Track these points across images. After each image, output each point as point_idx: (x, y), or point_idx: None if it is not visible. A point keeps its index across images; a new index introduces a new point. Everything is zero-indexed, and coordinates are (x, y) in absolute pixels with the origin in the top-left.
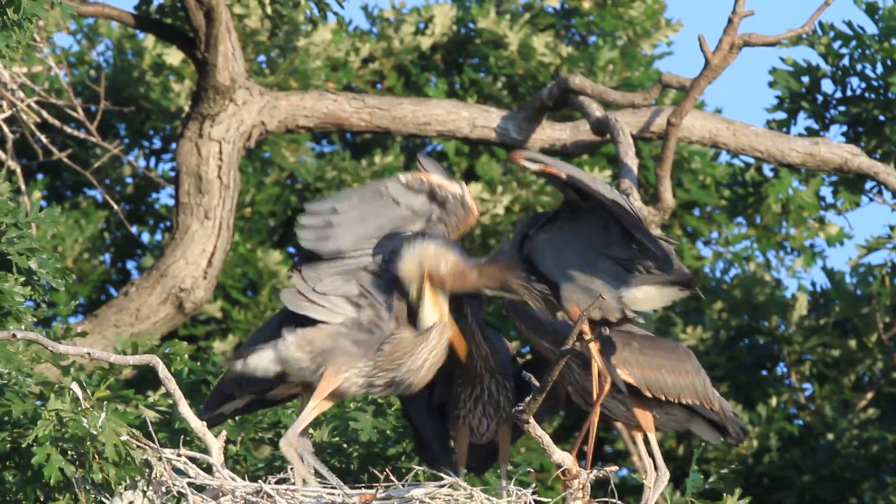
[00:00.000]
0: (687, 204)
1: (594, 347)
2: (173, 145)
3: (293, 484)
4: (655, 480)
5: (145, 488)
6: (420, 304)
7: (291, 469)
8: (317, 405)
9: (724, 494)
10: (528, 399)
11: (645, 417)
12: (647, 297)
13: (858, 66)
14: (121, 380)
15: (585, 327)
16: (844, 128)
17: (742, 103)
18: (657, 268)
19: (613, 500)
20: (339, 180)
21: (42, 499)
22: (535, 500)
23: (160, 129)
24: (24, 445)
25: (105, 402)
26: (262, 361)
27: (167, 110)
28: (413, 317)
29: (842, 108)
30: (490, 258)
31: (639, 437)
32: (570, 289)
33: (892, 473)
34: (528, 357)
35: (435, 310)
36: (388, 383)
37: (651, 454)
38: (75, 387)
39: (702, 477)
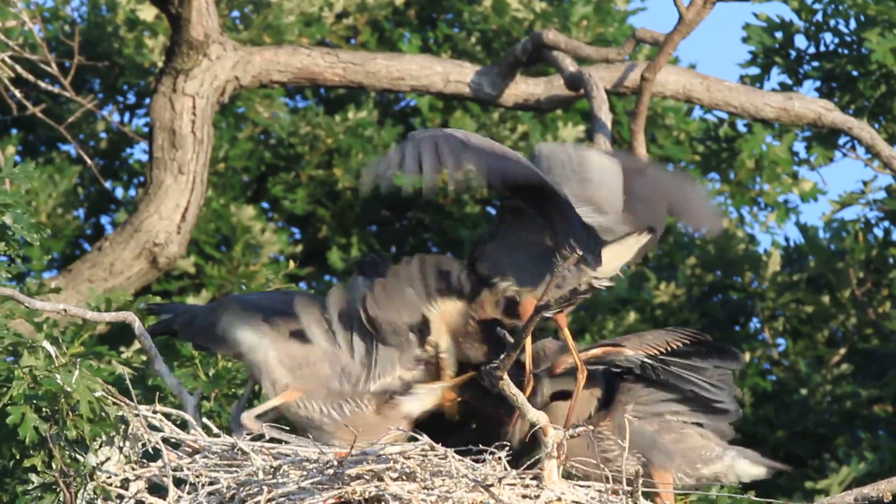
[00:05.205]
0: (661, 159)
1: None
2: (147, 100)
3: (268, 440)
4: None
5: (121, 444)
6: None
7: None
8: (278, 402)
9: None
10: (501, 356)
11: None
12: (615, 255)
13: (832, 22)
14: (94, 335)
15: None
16: (818, 83)
17: (716, 59)
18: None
19: (591, 460)
20: (312, 136)
21: (18, 457)
22: (509, 462)
23: (134, 84)
24: None
25: (79, 359)
26: (245, 341)
27: (141, 66)
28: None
29: (815, 64)
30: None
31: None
32: (528, 284)
33: (866, 429)
34: None
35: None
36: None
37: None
38: (48, 344)
39: None
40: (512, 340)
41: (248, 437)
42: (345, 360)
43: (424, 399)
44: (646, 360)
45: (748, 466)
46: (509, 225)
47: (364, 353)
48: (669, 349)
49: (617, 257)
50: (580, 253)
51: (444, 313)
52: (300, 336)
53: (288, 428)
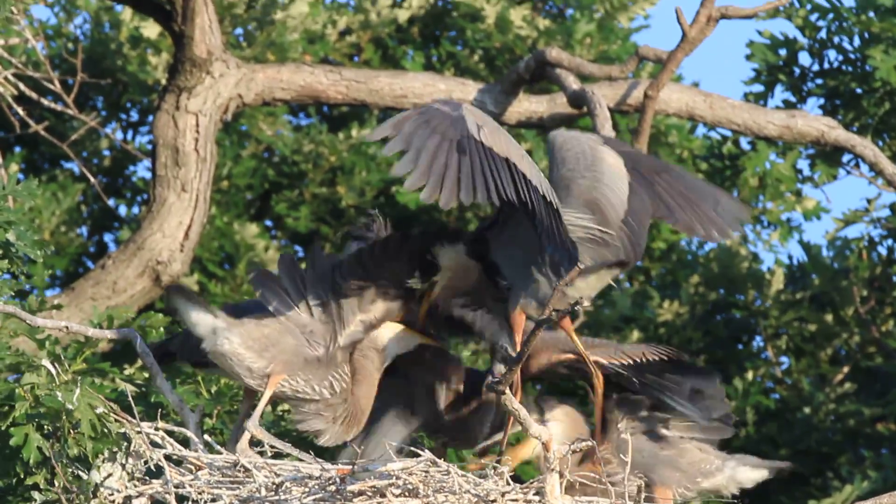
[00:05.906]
0: None
1: (567, 324)
2: (150, 118)
3: (269, 458)
4: None
5: (123, 461)
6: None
7: (268, 444)
8: (269, 396)
9: None
10: (504, 371)
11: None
12: (588, 284)
13: (836, 39)
14: (97, 353)
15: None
16: (821, 101)
17: (719, 76)
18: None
19: (592, 474)
20: (315, 153)
21: (21, 475)
22: (511, 478)
23: (137, 101)
24: (2, 427)
25: (80, 377)
26: (200, 322)
27: (144, 83)
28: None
29: (819, 81)
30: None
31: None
32: (518, 292)
33: (869, 447)
34: None
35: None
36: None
37: None
38: (48, 363)
39: None
40: (514, 355)
41: (251, 442)
42: (306, 322)
43: (401, 344)
44: (618, 369)
45: (750, 472)
46: (506, 217)
47: (321, 309)
48: (644, 360)
49: (590, 286)
50: (581, 267)
51: (456, 260)
52: (256, 316)
53: (290, 443)
